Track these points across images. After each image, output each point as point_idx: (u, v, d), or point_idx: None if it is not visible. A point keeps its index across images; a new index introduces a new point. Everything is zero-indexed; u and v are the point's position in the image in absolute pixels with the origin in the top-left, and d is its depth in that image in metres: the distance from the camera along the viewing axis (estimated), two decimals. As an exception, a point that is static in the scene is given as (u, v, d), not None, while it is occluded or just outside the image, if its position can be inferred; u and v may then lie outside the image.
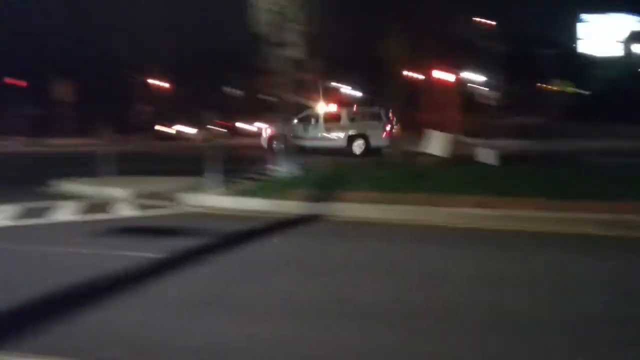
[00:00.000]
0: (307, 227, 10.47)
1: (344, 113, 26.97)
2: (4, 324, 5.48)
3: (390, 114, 26.34)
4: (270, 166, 16.14)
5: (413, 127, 24.80)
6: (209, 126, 13.25)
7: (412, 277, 7.07)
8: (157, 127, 48.28)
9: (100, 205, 12.40)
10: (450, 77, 35.24)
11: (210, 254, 8.20)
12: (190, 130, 48.12)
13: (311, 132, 26.25)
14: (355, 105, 29.41)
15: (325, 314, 5.78)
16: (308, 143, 25.14)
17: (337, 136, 26.33)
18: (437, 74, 34.50)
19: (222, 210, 12.03)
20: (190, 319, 5.60)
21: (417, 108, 28.80)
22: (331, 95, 36.89)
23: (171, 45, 52.24)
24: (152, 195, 13.49)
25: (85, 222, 10.67)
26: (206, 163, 14.04)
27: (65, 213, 11.49)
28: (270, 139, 26.15)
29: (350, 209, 11.34)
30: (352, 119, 26.53)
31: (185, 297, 6.30)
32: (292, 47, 14.75)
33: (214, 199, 12.65)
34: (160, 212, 11.99)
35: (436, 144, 18.44)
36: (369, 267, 7.61)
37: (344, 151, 25.51)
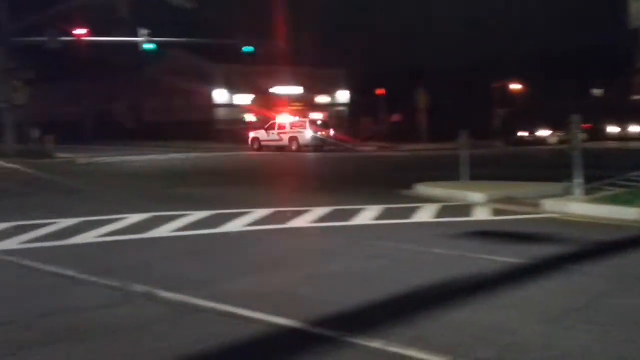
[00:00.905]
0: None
1: (287, 123, 40.53)
2: (377, 314, 5.81)
3: (320, 122, 43.99)
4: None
5: None
6: (568, 129, 12.48)
7: None
8: (519, 133, 47.52)
9: (456, 208, 12.59)
10: None
11: (574, 262, 7.71)
12: (546, 133, 46.53)
13: (270, 135, 40.54)
14: (296, 117, 42.97)
15: None
16: (267, 143, 40.48)
17: (283, 138, 39.87)
18: None
19: (583, 217, 11.30)
20: (548, 326, 5.33)
21: None
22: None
23: (527, 44, 51.18)
24: (508, 200, 13.27)
25: (442, 224, 10.90)
26: (564, 167, 13.30)
27: (423, 214, 11.90)
28: (252, 140, 41.47)
29: None
30: (290, 126, 40.14)
31: (547, 304, 6.02)
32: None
33: (575, 206, 11.92)
34: (516, 217, 11.72)
35: None
36: None
37: (287, 149, 39.35)
